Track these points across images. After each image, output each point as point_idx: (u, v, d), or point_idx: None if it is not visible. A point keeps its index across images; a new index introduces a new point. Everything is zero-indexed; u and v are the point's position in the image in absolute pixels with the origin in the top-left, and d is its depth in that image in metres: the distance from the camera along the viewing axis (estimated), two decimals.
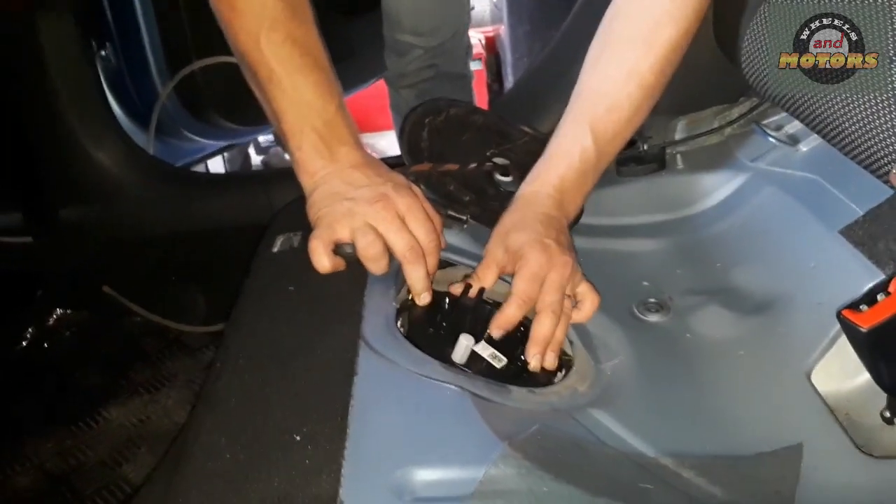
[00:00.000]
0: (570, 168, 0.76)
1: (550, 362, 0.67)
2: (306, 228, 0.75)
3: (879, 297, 0.55)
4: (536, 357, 0.66)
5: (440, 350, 0.66)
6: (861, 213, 0.73)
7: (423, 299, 0.69)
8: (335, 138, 0.73)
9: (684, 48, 0.78)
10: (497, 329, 0.67)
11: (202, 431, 0.56)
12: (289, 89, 0.71)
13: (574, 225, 0.81)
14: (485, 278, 0.72)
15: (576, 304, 0.72)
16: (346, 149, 0.73)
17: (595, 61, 0.79)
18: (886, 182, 0.65)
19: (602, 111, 0.77)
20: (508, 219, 0.75)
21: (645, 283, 0.82)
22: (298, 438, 0.53)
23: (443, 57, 1.46)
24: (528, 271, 0.68)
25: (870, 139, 0.65)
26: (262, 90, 0.73)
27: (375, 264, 0.69)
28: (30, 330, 1.36)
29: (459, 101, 1.01)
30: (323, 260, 0.69)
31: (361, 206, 0.69)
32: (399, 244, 0.69)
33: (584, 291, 0.72)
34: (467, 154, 0.89)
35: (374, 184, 0.71)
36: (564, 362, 0.70)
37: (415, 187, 0.75)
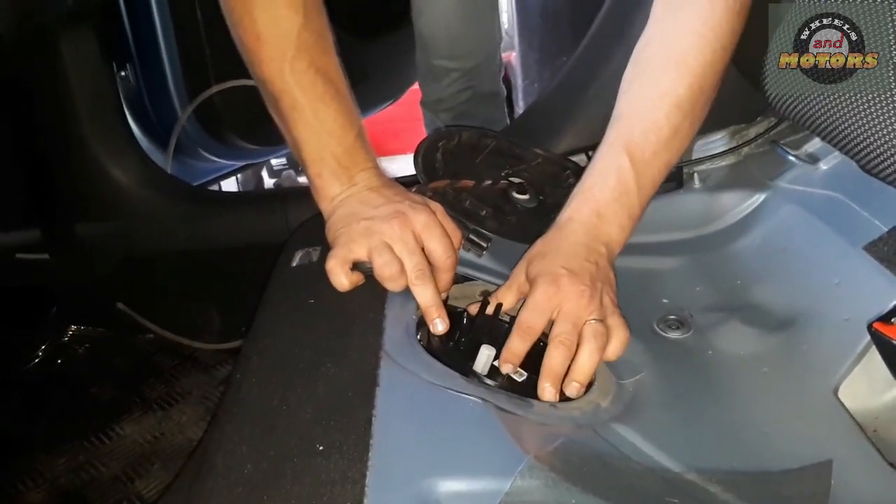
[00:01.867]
0: (606, 190, 0.73)
1: (573, 391, 0.64)
2: (325, 243, 0.75)
3: None
4: (547, 390, 0.63)
5: (461, 363, 0.66)
6: (885, 229, 0.72)
7: (437, 327, 0.68)
8: (354, 165, 0.74)
9: (721, 69, 0.75)
10: (505, 363, 0.65)
11: (223, 441, 0.56)
12: (310, 118, 0.73)
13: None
14: (503, 298, 0.72)
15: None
16: (365, 173, 0.75)
17: (629, 86, 0.77)
18: None
19: (638, 133, 0.74)
20: (538, 245, 0.73)
21: (665, 301, 0.82)
22: (321, 448, 0.53)
23: (478, 78, 1.48)
24: (532, 302, 0.67)
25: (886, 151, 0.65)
26: (283, 117, 0.74)
27: (393, 283, 0.70)
28: (44, 346, 1.36)
29: (470, 127, 1.02)
30: (341, 279, 0.70)
31: (378, 225, 0.70)
32: (407, 265, 0.69)
33: (612, 326, 0.68)
34: (482, 176, 0.91)
35: (390, 202, 0.72)
36: None
37: (433, 204, 0.75)
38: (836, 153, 0.82)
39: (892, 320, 0.53)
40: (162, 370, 1.29)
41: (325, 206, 0.75)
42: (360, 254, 0.70)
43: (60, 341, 1.37)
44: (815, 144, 0.91)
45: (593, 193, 0.73)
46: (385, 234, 0.69)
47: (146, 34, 1.41)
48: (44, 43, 1.21)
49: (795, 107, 0.76)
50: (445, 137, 0.95)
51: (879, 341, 0.54)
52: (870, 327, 0.54)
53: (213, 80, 1.42)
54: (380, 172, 0.77)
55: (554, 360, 0.64)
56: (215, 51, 1.41)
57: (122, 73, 1.44)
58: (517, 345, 0.65)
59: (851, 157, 0.73)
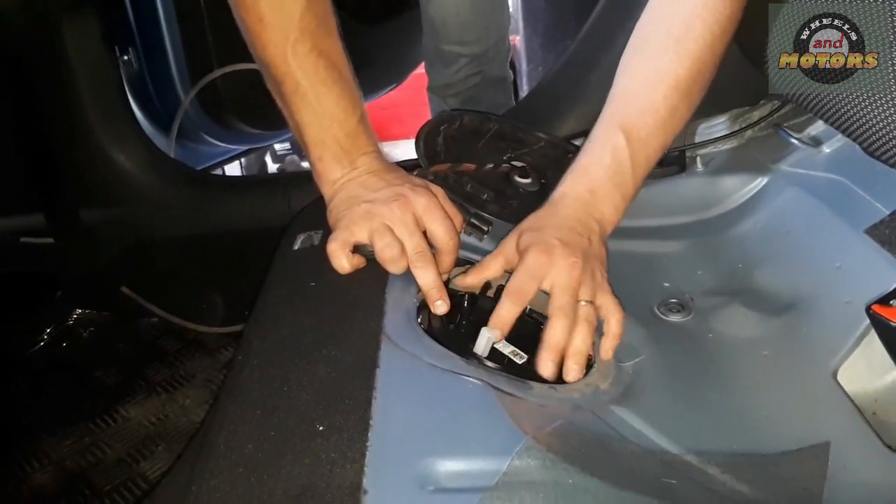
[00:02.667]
0: (601, 169, 0.73)
1: (573, 374, 0.64)
2: (327, 227, 0.75)
3: None
4: (547, 364, 0.63)
5: (461, 345, 0.66)
6: (887, 212, 0.72)
7: (439, 308, 0.68)
8: (356, 149, 0.74)
9: (720, 51, 0.75)
10: (494, 329, 0.64)
11: (225, 422, 0.56)
12: (313, 101, 0.72)
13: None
14: (489, 267, 0.72)
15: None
16: (367, 157, 0.75)
17: (626, 66, 0.78)
18: None
19: (634, 112, 0.74)
20: (530, 219, 0.74)
21: (666, 284, 0.82)
22: (322, 429, 0.53)
23: (488, 63, 1.47)
24: (523, 267, 0.67)
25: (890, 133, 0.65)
26: (285, 101, 0.74)
27: (394, 265, 0.70)
28: (49, 329, 1.37)
29: (472, 111, 1.02)
30: (342, 261, 0.70)
31: (379, 207, 0.70)
32: (407, 246, 0.69)
33: (606, 305, 0.68)
34: (484, 159, 0.90)
35: (391, 185, 0.72)
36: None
37: (434, 187, 0.75)
38: (839, 136, 0.81)
39: (891, 303, 0.53)
40: (166, 353, 1.31)
41: (326, 190, 0.75)
42: (361, 236, 0.70)
43: (65, 325, 1.38)
44: (818, 127, 0.90)
45: (588, 171, 0.74)
46: (386, 217, 0.69)
47: (148, 18, 1.41)
48: (46, 28, 1.21)
49: (815, 105, 0.76)
50: (447, 121, 0.94)
51: (878, 323, 0.54)
52: (868, 309, 0.54)
53: (216, 64, 1.42)
54: (381, 156, 0.77)
55: (557, 332, 0.64)
56: (218, 35, 1.41)
57: (125, 58, 1.44)
58: (507, 309, 0.65)
59: (854, 140, 0.72)
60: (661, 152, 0.76)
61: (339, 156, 0.74)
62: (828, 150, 0.87)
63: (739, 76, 0.95)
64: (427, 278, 0.68)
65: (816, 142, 0.89)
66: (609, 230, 0.74)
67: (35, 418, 1.17)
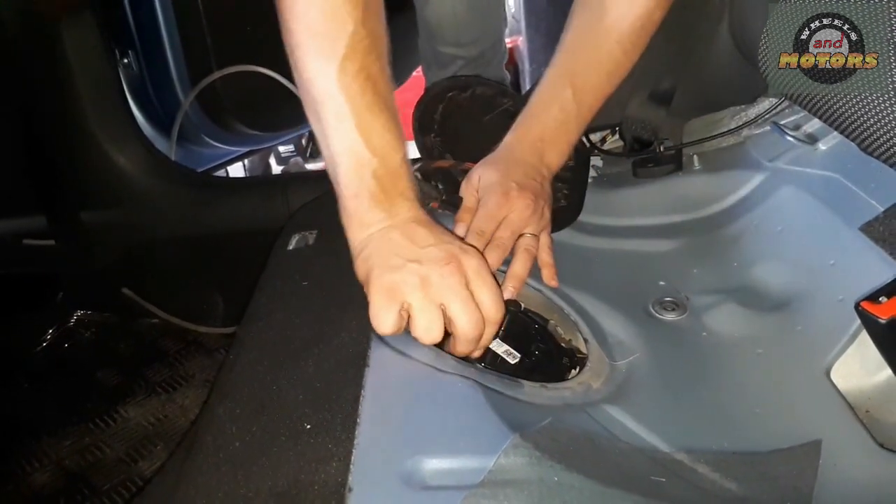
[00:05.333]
0: (549, 118, 0.80)
1: (508, 294, 0.71)
2: (322, 227, 0.75)
3: None
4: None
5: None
6: (882, 209, 0.72)
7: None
8: (397, 191, 0.65)
9: (665, 4, 0.80)
10: None
11: (214, 421, 0.57)
12: (354, 128, 0.64)
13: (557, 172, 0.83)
14: (463, 218, 0.77)
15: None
16: (407, 204, 0.66)
17: (576, 18, 0.83)
18: None
19: (580, 65, 0.81)
20: (487, 161, 0.80)
21: (661, 283, 0.82)
22: (309, 427, 0.53)
23: (484, 66, 1.47)
24: (484, 211, 0.75)
25: (889, 130, 0.64)
26: (322, 125, 0.65)
27: (429, 340, 0.62)
28: (51, 330, 1.38)
29: (492, 82, 0.98)
30: (392, 327, 0.61)
31: (430, 268, 0.61)
32: (463, 322, 0.61)
33: (544, 240, 0.78)
34: (485, 136, 0.87)
35: (440, 242, 0.64)
36: (578, 360, 0.70)
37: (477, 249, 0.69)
38: (835, 133, 0.81)
39: (880, 299, 0.53)
40: (166, 354, 1.31)
41: (355, 233, 0.66)
42: (410, 300, 0.61)
43: (66, 326, 1.39)
44: (814, 125, 0.90)
45: (539, 120, 0.81)
46: (435, 283, 0.61)
47: (148, 21, 1.41)
48: (46, 31, 1.22)
49: (812, 104, 0.75)
50: (458, 88, 0.93)
51: (866, 320, 0.54)
52: (857, 306, 0.54)
53: (216, 65, 1.42)
54: (419, 206, 0.68)
55: (492, 261, 0.71)
56: (217, 36, 1.41)
57: (125, 60, 1.45)
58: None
59: (850, 139, 0.72)
60: (603, 101, 0.82)
61: (377, 196, 0.64)
62: (824, 148, 0.86)
63: (736, 74, 0.95)
64: (466, 351, 0.64)
65: (812, 139, 0.88)
66: (555, 172, 0.83)
67: (36, 418, 1.18)
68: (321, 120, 0.65)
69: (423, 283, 0.61)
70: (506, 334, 0.68)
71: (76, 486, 1.02)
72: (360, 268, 0.65)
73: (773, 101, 0.96)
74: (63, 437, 1.12)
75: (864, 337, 0.63)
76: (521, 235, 0.76)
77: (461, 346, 0.63)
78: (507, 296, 0.70)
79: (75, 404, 1.20)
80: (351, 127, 0.63)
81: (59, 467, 1.06)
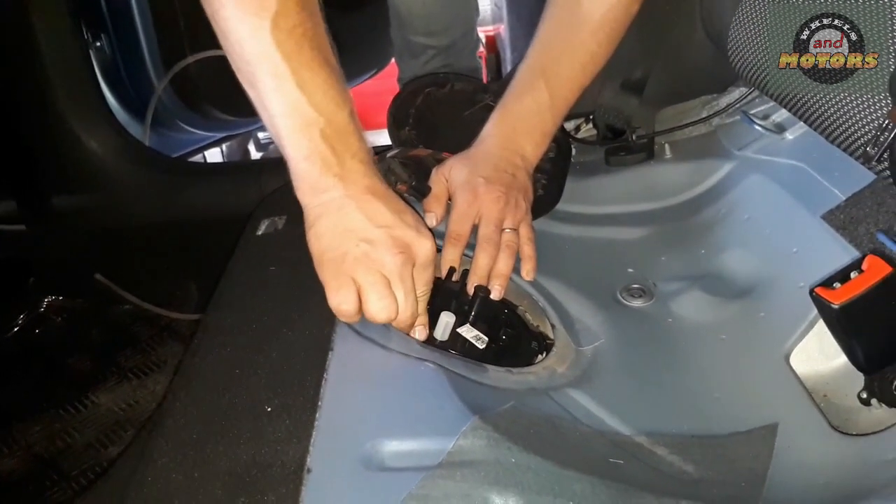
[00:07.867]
0: (522, 110, 0.80)
1: (495, 293, 0.71)
2: (291, 213, 0.75)
3: (853, 274, 0.54)
4: (472, 287, 0.70)
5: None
6: (843, 198, 0.73)
7: (419, 334, 0.67)
8: (349, 152, 0.62)
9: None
10: (444, 270, 0.72)
11: (176, 404, 0.57)
12: (295, 87, 0.59)
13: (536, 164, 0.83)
14: (433, 208, 0.77)
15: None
16: (359, 166, 0.63)
17: (551, 9, 0.82)
18: (866, 164, 0.65)
19: (554, 57, 0.80)
20: (459, 157, 0.80)
21: (630, 270, 0.83)
22: (270, 409, 0.54)
23: (456, 55, 1.46)
24: (455, 213, 0.75)
25: (849, 121, 0.65)
26: (258, 87, 0.61)
27: (380, 320, 0.62)
28: (22, 316, 1.36)
29: (471, 78, 0.98)
30: (348, 307, 0.61)
31: (379, 253, 0.61)
32: (405, 313, 0.63)
33: (524, 233, 0.77)
34: (463, 131, 0.86)
35: (396, 225, 0.63)
36: (546, 345, 0.71)
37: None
38: (802, 123, 0.82)
39: (834, 285, 0.54)
40: (138, 340, 1.30)
41: (308, 199, 0.63)
42: (361, 281, 0.61)
43: (38, 312, 1.38)
44: (782, 115, 0.91)
45: (512, 111, 0.81)
46: (386, 268, 0.61)
47: (120, 3, 1.39)
48: (14, 13, 1.20)
49: (783, 96, 0.76)
50: (437, 84, 0.93)
51: (820, 305, 0.55)
52: (811, 292, 0.55)
53: (189, 50, 1.41)
54: (373, 167, 0.65)
55: (480, 259, 0.72)
56: (190, 20, 1.39)
57: (98, 44, 1.42)
58: (449, 252, 0.74)
59: (814, 129, 0.73)
60: (579, 92, 0.82)
61: (326, 156, 0.61)
62: (790, 137, 0.87)
63: (707, 63, 0.96)
64: (406, 329, 0.66)
65: (780, 128, 0.89)
66: (534, 163, 0.82)
67: (5, 404, 1.17)
68: (257, 82, 0.60)
69: (374, 265, 0.61)
70: (475, 319, 0.68)
71: (45, 472, 1.02)
72: (313, 244, 0.63)
73: (744, 90, 0.97)
74: (33, 422, 1.12)
75: (823, 323, 0.64)
76: (501, 231, 0.75)
77: (401, 328, 0.66)
78: (494, 295, 0.71)
79: (46, 390, 1.19)
80: (291, 86, 0.59)
81: (28, 453, 1.06)
